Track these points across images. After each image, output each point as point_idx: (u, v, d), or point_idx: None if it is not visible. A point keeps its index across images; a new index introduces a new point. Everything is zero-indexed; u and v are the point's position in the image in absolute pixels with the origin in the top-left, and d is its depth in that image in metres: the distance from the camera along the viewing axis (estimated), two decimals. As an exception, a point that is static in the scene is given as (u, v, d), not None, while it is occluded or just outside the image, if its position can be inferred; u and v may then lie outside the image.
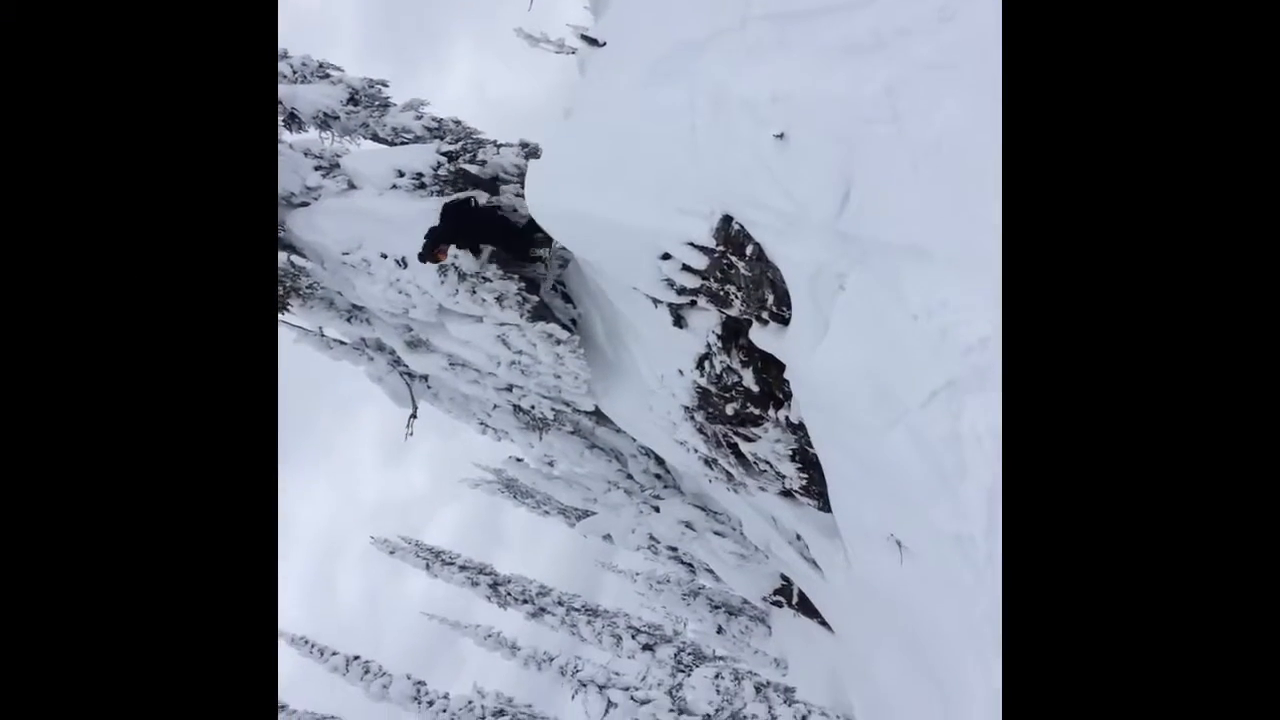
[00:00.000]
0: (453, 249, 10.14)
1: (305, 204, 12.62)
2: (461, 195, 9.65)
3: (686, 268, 8.87)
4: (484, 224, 9.25)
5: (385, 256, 12.00)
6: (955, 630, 7.12)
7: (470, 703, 17.31)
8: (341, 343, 15.42)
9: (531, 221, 9.34)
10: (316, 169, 12.87)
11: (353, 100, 14.04)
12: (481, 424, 17.41)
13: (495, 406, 15.98)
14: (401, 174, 12.32)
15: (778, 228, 7.35)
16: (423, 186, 12.25)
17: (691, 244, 8.49)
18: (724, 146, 7.71)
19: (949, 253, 5.72)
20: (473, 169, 12.32)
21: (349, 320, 14.07)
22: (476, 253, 10.32)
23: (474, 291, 11.70)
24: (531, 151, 12.28)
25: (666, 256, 8.92)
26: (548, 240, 9.53)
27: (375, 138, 14.42)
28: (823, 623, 16.00)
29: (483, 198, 10.09)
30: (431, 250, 9.83)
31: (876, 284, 6.40)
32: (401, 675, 18.29)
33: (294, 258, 13.52)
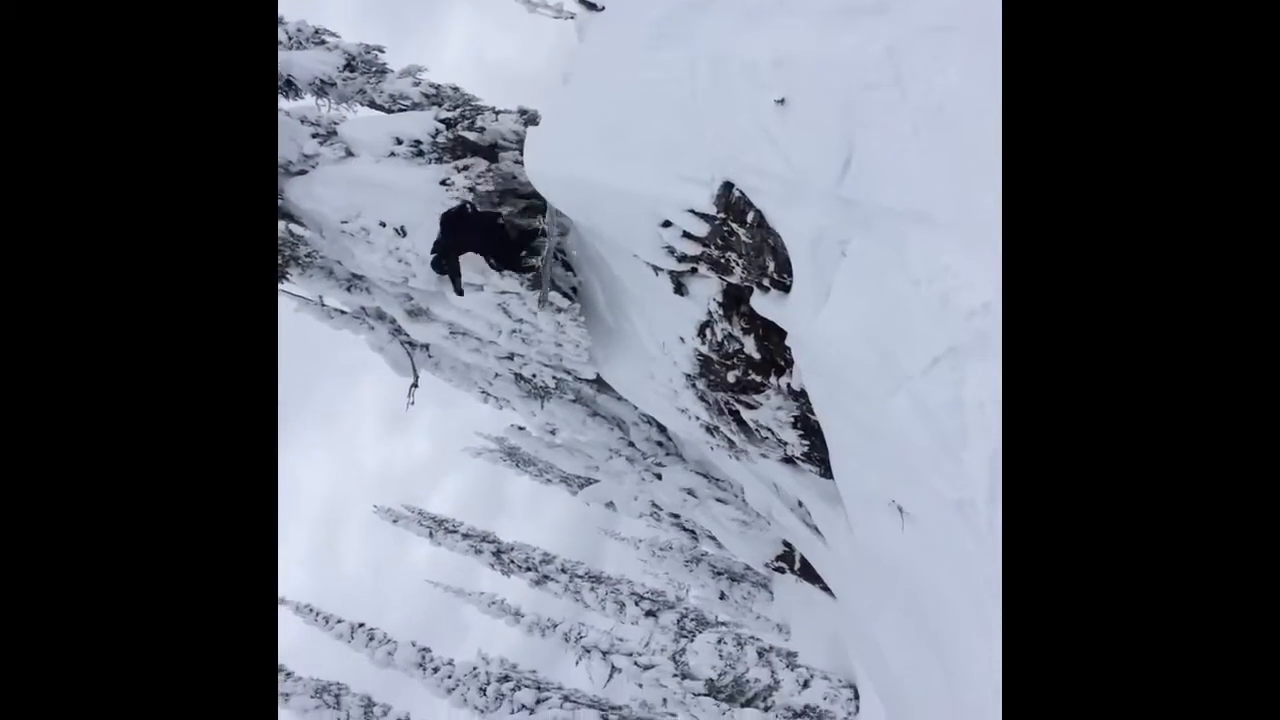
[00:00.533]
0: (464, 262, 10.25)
1: (303, 172, 12.55)
2: (455, 204, 9.63)
3: (687, 235, 8.81)
4: (481, 231, 9.24)
5: (384, 225, 11.95)
6: (957, 596, 7.14)
7: (475, 669, 17.46)
8: (341, 312, 15.40)
9: (525, 232, 9.31)
10: (314, 136, 12.78)
11: (349, 67, 13.92)
12: (483, 393, 17.43)
13: (496, 375, 15.98)
14: (399, 141, 12.24)
15: (778, 194, 7.29)
16: (421, 154, 12.18)
17: (692, 211, 8.42)
18: (724, 112, 7.63)
19: (951, 218, 5.68)
20: (471, 136, 12.23)
21: (349, 289, 14.04)
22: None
23: (474, 260, 11.67)
24: (530, 118, 12.19)
25: (667, 224, 8.86)
26: (540, 246, 9.51)
27: (372, 105, 14.31)
28: (824, 588, 16.08)
29: (477, 204, 10.15)
30: (442, 262, 9.90)
31: (878, 250, 6.35)
32: (406, 642, 18.45)
33: (292, 226, 13.47)
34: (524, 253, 9.07)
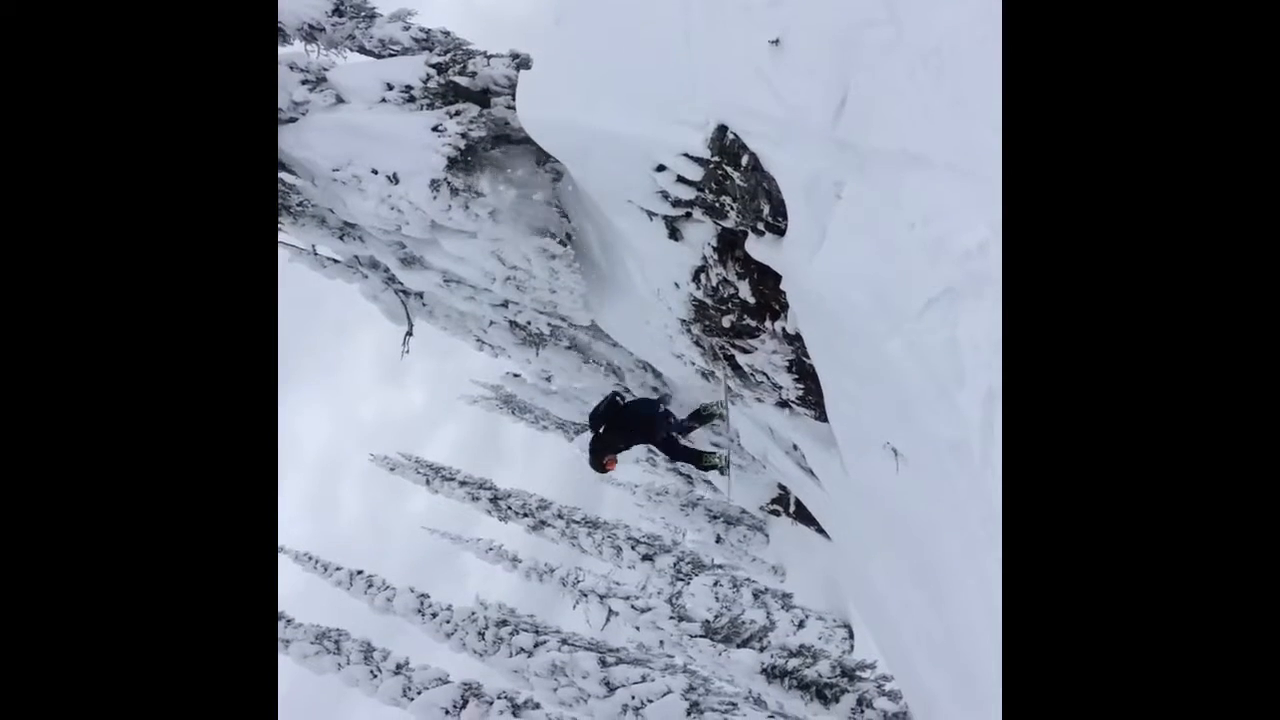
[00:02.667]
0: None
1: (293, 119, 12.41)
2: (604, 399, 8.69)
3: (681, 179, 8.76)
4: (641, 424, 8.34)
5: (376, 172, 11.85)
6: (951, 536, 7.22)
7: (473, 614, 17.62)
8: (335, 261, 15.33)
9: (666, 414, 8.25)
10: (303, 83, 12.61)
11: (338, 11, 13.69)
12: (478, 340, 17.42)
13: (491, 323, 15.97)
14: (390, 87, 12.09)
15: (773, 136, 7.24)
16: (412, 100, 12.04)
17: (686, 155, 8.37)
18: (718, 53, 7.55)
19: (947, 159, 5.65)
20: (462, 81, 12.08)
21: (341, 238, 13.96)
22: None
23: (466, 206, 11.59)
24: (522, 62, 12.01)
25: (661, 168, 8.81)
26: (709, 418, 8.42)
27: (362, 50, 14.10)
28: (820, 530, 16.26)
29: (626, 392, 9.02)
30: (600, 462, 8.80)
31: (873, 192, 6.34)
32: (405, 589, 18.62)
33: (284, 175, 13.36)
34: (703, 454, 8.03)
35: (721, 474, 7.26)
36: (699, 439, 7.82)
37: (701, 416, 7.56)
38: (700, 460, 7.39)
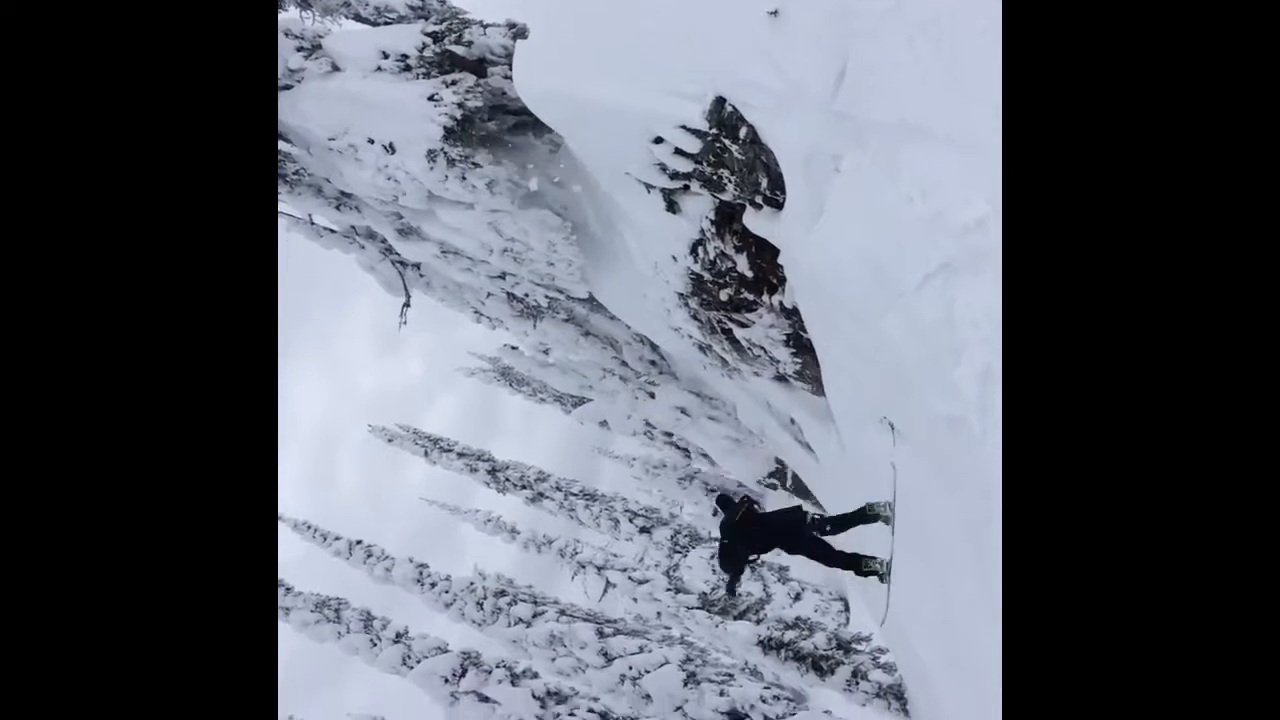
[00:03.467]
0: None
1: (288, 87, 12.31)
2: (734, 505, 7.27)
3: (679, 151, 8.70)
4: (777, 529, 7.20)
5: (372, 142, 11.78)
6: (948, 511, 7.22)
7: (471, 584, 17.68)
8: (331, 231, 15.26)
9: (812, 519, 7.02)
10: (298, 50, 12.50)
11: (333, -23, 13.56)
12: (475, 312, 17.38)
13: (489, 295, 15.92)
14: (386, 55, 11.99)
15: (771, 109, 7.18)
16: (408, 69, 11.94)
17: (683, 127, 8.31)
18: (717, 24, 7.47)
19: (946, 132, 5.60)
20: (459, 50, 11.98)
21: (338, 208, 13.89)
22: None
23: (464, 177, 11.52)
24: (519, 32, 11.90)
25: (659, 140, 8.75)
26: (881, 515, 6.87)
27: (358, 18, 13.97)
28: (817, 504, 16.27)
29: (757, 501, 7.69)
30: (732, 563, 7.71)
31: (872, 165, 6.28)
32: (403, 559, 18.68)
33: (279, 143, 13.27)
34: (861, 558, 6.83)
35: (882, 581, 6.23)
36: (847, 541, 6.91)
37: (864, 516, 6.64)
38: (859, 566, 6.51)
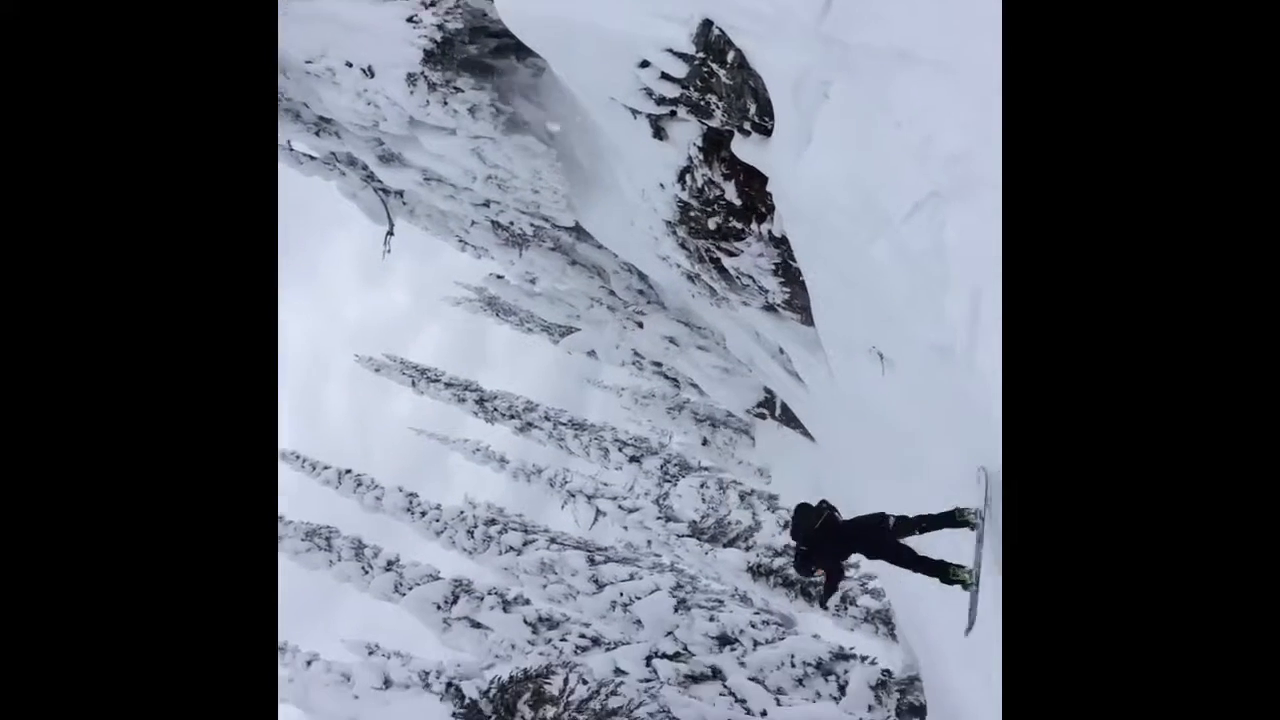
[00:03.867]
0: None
1: (264, 11, 11.94)
2: (810, 513, 6.81)
3: (665, 76, 8.50)
4: (857, 534, 6.73)
5: (350, 65, 11.47)
6: (936, 437, 7.22)
7: (462, 513, 17.79)
8: (311, 157, 14.99)
9: (895, 522, 6.55)
10: (273, -28, 12.11)
11: (308, -106, 13.08)
12: (460, 241, 17.18)
13: (473, 223, 15.71)
14: (363, -24, 11.63)
15: (759, 33, 6.99)
16: (387, -10, 11.59)
17: (670, 50, 8.10)
18: (703, -59, 7.24)
19: (936, 57, 5.45)
20: (440, -30, 11.62)
21: (317, 133, 13.59)
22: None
23: (445, 102, 11.25)
24: (502, -49, 11.54)
25: (645, 64, 8.54)
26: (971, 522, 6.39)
27: (335, -63, 13.53)
28: (805, 433, 16.33)
29: (837, 509, 6.97)
30: (810, 570, 7.27)
31: (861, 91, 6.14)
32: (393, 488, 18.75)
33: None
34: (948, 565, 6.40)
35: (966, 589, 5.88)
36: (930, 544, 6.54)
37: (952, 521, 6.22)
38: (946, 573, 6.19)
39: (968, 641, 5.85)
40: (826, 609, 7.03)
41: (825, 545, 6.67)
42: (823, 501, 6.75)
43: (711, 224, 10.57)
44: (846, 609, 15.16)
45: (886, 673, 12.54)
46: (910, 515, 6.51)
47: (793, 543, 7.01)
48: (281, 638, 14.66)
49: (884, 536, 6.49)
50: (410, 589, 15.48)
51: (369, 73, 11.31)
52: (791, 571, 15.02)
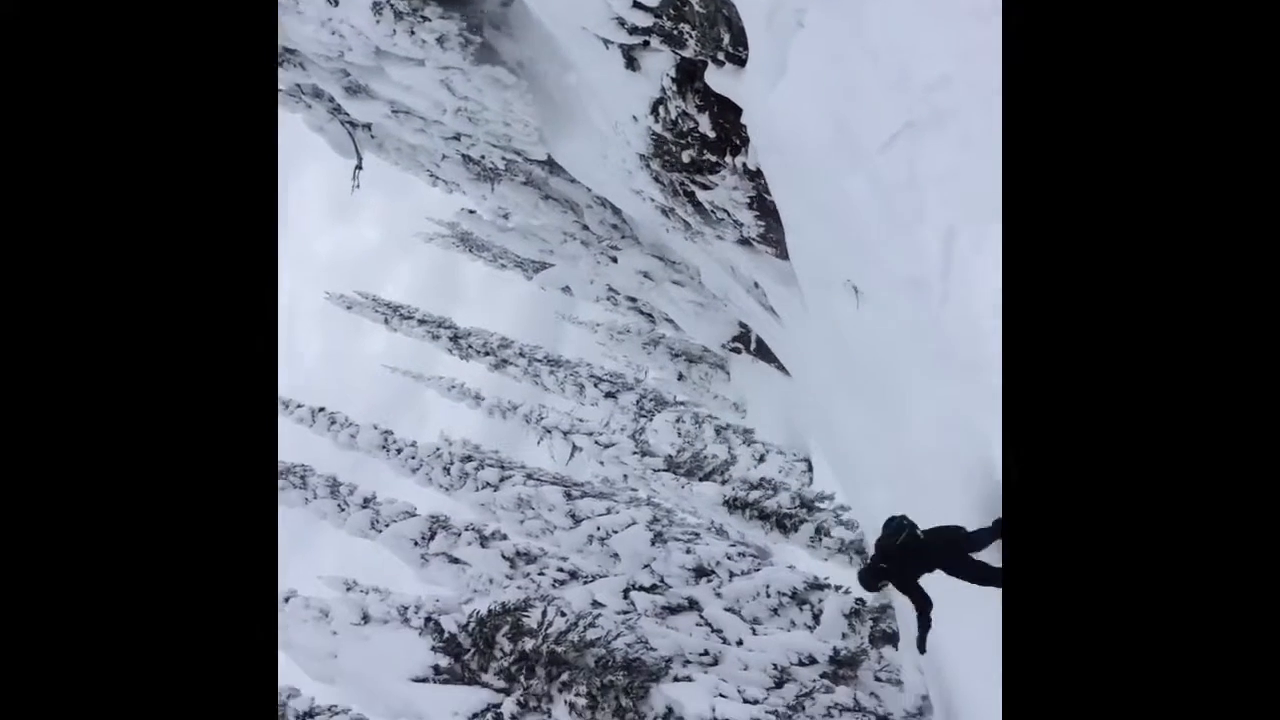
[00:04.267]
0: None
1: (222, -63, 11.57)
2: (891, 528, 6.53)
3: (638, 4, 8.33)
4: (938, 548, 6.18)
5: (314, -7, 11.17)
6: (910, 371, 7.23)
7: (437, 450, 17.76)
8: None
9: (971, 535, 6.03)
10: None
11: None
12: (431, 175, 16.93)
13: (444, 157, 15.46)
14: (325, -101, 11.26)
15: (733, -44, 6.83)
16: (349, -88, 11.23)
17: (642, -24, 7.92)
18: None
19: (914, -18, 5.33)
20: (406, -105, 11.26)
21: (280, 64, 13.26)
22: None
23: (412, 32, 10.99)
24: (467, -127, 11.21)
25: (616, -9, 8.36)
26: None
27: None
28: (780, 367, 16.38)
29: (916, 524, 6.47)
30: (877, 584, 6.71)
31: (835, 20, 6.01)
32: (368, 425, 18.68)
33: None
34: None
35: None
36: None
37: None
38: None
39: (968, 643, 5.78)
40: (924, 652, 6.61)
41: (908, 562, 6.40)
42: (904, 517, 6.38)
43: (685, 157, 10.45)
44: (821, 539, 15.31)
45: (860, 601, 12.72)
46: (988, 525, 6.26)
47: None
48: (260, 575, 14.70)
49: (962, 551, 6.23)
50: (387, 525, 15.50)
51: (333, 2, 11.01)
52: (767, 505, 15.18)
